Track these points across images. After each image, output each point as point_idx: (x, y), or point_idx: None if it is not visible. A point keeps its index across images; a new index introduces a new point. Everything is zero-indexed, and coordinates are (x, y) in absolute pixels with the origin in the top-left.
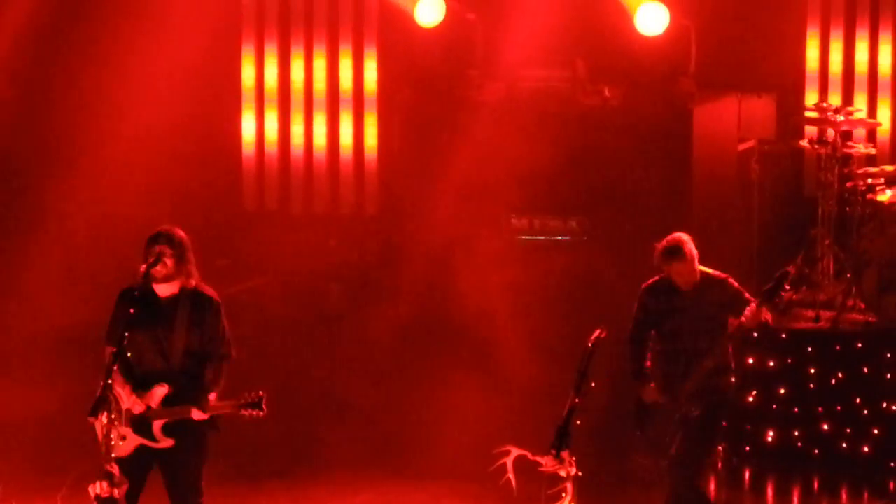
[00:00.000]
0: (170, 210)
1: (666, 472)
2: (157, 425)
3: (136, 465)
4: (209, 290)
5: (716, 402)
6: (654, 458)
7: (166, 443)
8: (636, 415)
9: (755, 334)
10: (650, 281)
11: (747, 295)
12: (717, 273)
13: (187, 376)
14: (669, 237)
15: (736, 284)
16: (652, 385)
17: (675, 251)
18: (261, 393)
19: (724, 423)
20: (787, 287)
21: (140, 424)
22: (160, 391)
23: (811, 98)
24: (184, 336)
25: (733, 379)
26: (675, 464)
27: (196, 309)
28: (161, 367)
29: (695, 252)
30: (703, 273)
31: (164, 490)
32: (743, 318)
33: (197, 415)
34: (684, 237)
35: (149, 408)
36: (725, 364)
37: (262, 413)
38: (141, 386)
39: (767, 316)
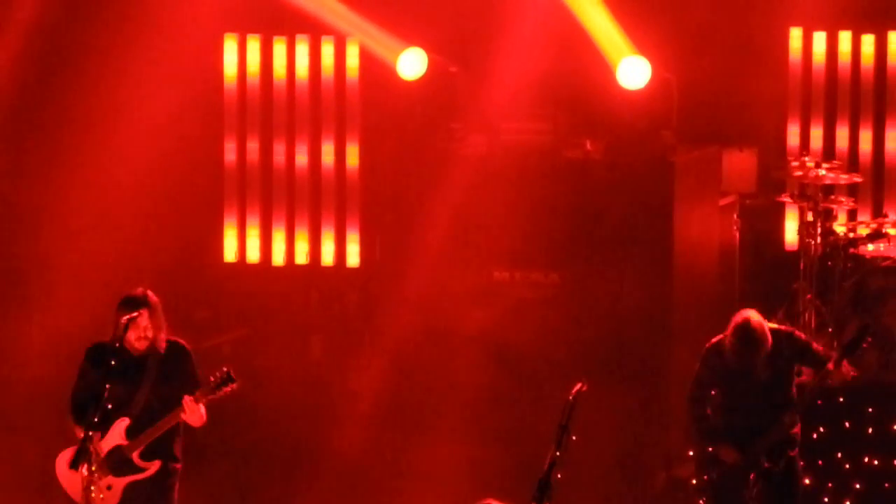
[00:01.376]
0: (150, 260)
1: None
2: (136, 456)
3: None
4: (180, 340)
5: (792, 454)
6: None
7: (153, 467)
8: (703, 472)
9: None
10: (716, 340)
11: (815, 344)
12: (783, 328)
13: (151, 413)
14: (741, 324)
15: (803, 336)
16: (728, 445)
17: (750, 343)
18: (224, 368)
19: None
20: (869, 341)
21: (119, 464)
22: (121, 424)
23: (792, 152)
24: (151, 386)
25: (798, 430)
26: None
27: (168, 361)
28: (129, 412)
29: (767, 332)
30: (770, 330)
31: None
32: (829, 380)
33: (189, 409)
34: (753, 320)
35: (118, 446)
36: (794, 433)
37: (235, 385)
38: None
39: (852, 372)
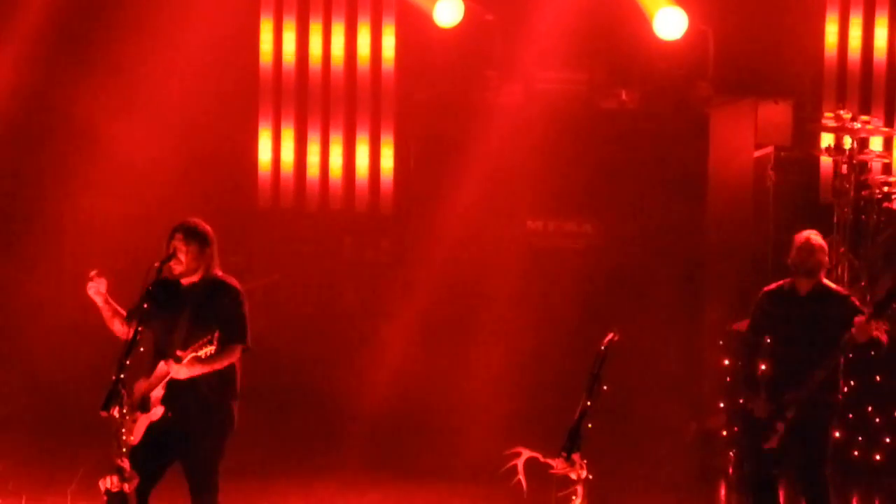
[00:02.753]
0: (185, 206)
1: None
2: (154, 396)
3: (151, 454)
4: (231, 280)
5: (824, 417)
6: (755, 466)
7: (157, 411)
8: (734, 424)
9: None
10: (772, 285)
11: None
12: (840, 288)
13: None
14: (803, 233)
15: (857, 303)
16: (763, 397)
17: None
18: (209, 335)
19: (831, 439)
20: None
21: (144, 402)
22: (162, 367)
23: (828, 105)
24: (191, 322)
25: (840, 397)
26: (806, 480)
27: (212, 297)
28: (169, 351)
29: (822, 247)
30: (826, 286)
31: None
32: (853, 331)
33: (173, 368)
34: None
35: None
36: (834, 381)
37: (212, 347)
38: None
39: (880, 331)
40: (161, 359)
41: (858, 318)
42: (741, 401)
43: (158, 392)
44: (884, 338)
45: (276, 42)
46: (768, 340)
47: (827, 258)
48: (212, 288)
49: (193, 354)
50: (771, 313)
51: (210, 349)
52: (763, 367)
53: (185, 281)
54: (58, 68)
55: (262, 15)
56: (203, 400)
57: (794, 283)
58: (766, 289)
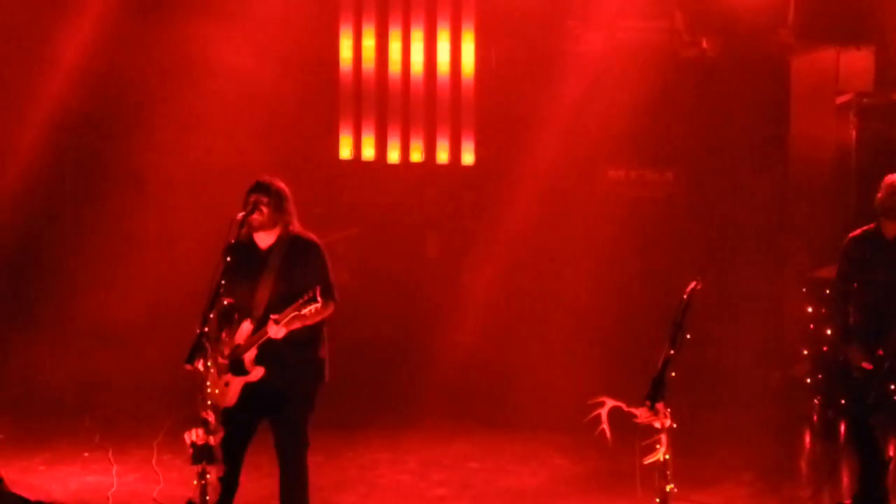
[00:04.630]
0: (267, 158)
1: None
2: (248, 358)
3: (244, 411)
4: (310, 235)
5: None
6: (854, 412)
7: (257, 373)
8: (837, 370)
9: None
10: (857, 231)
11: None
12: None
13: (271, 314)
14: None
15: None
16: (857, 347)
17: (892, 177)
18: (311, 291)
19: None
20: None
21: (237, 365)
22: (246, 327)
23: None
24: (274, 281)
25: None
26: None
27: (293, 254)
28: (253, 312)
29: None
30: None
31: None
32: None
33: (272, 329)
34: None
35: (237, 346)
36: None
37: (318, 304)
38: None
39: None
40: (245, 318)
41: None
42: (825, 349)
43: (252, 353)
44: None
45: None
46: (856, 287)
47: None
48: (293, 245)
49: (295, 313)
50: (858, 259)
51: (315, 306)
52: (853, 315)
53: (262, 242)
54: (140, 62)
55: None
56: (297, 356)
57: (880, 227)
58: (851, 235)
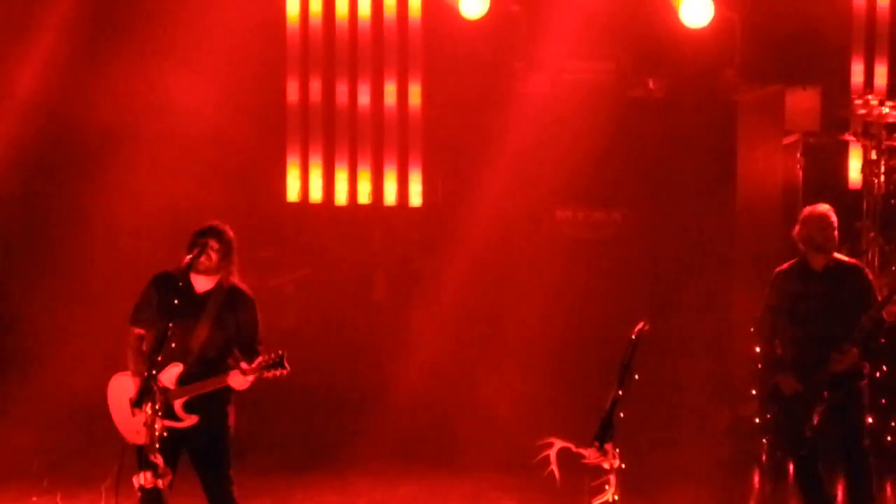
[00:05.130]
0: (215, 200)
1: (796, 459)
2: (178, 404)
3: (165, 452)
4: (245, 288)
5: (858, 390)
6: (787, 447)
7: (190, 420)
8: (769, 402)
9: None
10: (784, 265)
11: (876, 292)
12: (852, 260)
13: (203, 362)
14: (813, 206)
15: (871, 276)
16: (790, 375)
17: (817, 210)
18: (280, 351)
19: (866, 411)
20: None
21: (168, 410)
22: (174, 370)
23: (856, 91)
24: (208, 329)
25: (864, 382)
26: (850, 449)
27: (232, 304)
28: (179, 356)
29: (835, 223)
30: (838, 259)
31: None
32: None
33: (235, 380)
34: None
35: (166, 389)
36: (858, 364)
37: (285, 371)
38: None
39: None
40: (171, 361)
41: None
42: (772, 382)
43: (181, 401)
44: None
45: (302, 9)
46: (784, 319)
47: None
48: (231, 295)
49: (261, 372)
50: (786, 292)
51: (282, 371)
52: (783, 346)
53: (200, 286)
54: (77, 62)
55: None
56: (220, 401)
57: (808, 260)
58: (778, 269)
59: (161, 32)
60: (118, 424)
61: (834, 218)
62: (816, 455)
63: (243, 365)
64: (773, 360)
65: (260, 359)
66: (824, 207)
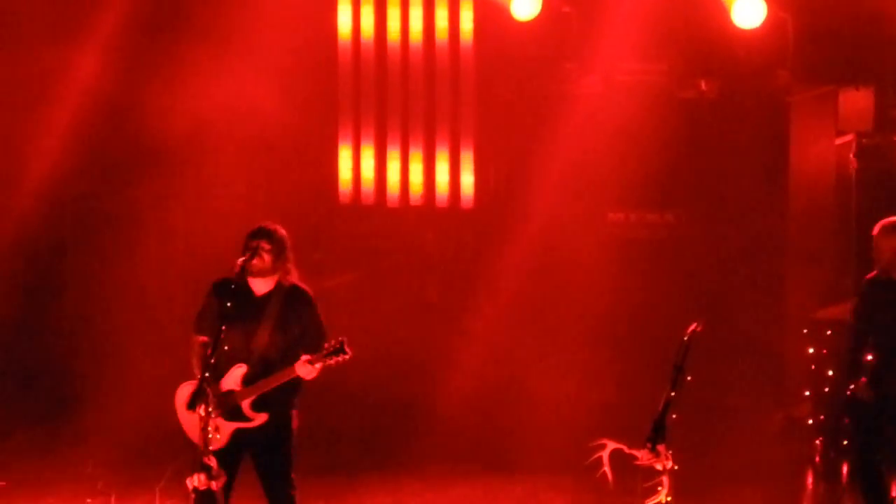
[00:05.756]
0: (266, 204)
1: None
2: (246, 404)
3: (230, 456)
4: (306, 287)
5: None
6: (864, 455)
7: (260, 418)
8: (848, 409)
9: None
10: (872, 273)
11: None
12: None
13: (266, 364)
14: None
15: None
16: (864, 380)
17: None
18: (340, 338)
19: None
20: None
21: (230, 410)
22: (238, 371)
23: None
24: (270, 331)
25: None
26: None
27: (291, 304)
28: (242, 359)
29: None
30: None
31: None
32: None
33: (303, 369)
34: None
35: (231, 391)
36: None
37: (347, 356)
38: (220, 374)
39: None
40: (233, 363)
41: None
42: (826, 389)
43: (250, 398)
44: None
45: (354, 34)
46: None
47: None
48: (290, 295)
49: (324, 360)
50: (871, 301)
51: (344, 357)
52: (868, 356)
53: (259, 289)
54: (132, 68)
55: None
56: (284, 401)
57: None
58: (867, 276)
59: (217, 38)
60: (187, 431)
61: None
62: (882, 460)
63: (306, 355)
64: (852, 367)
65: (325, 345)
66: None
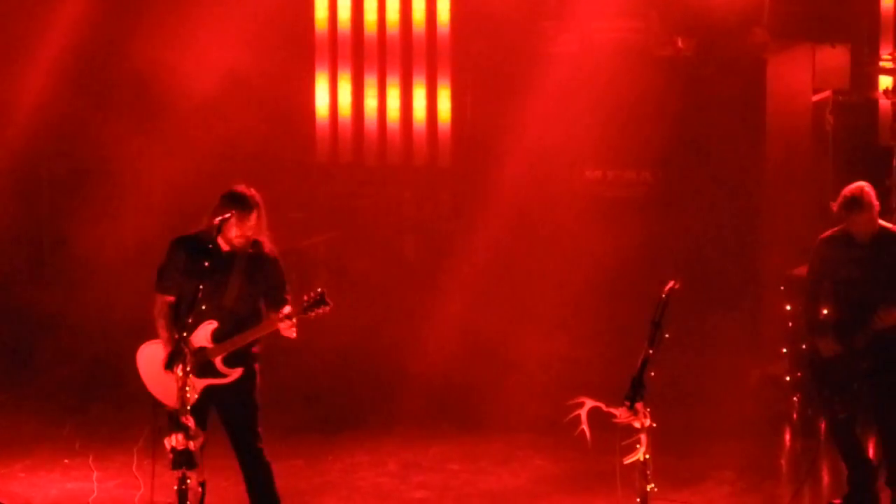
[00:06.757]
0: (244, 164)
1: (840, 428)
2: (219, 360)
3: (200, 413)
4: (264, 240)
5: (893, 356)
6: (834, 412)
7: (234, 374)
8: (813, 368)
9: None
10: (828, 232)
11: None
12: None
13: (236, 318)
14: (850, 186)
15: None
16: (829, 337)
17: (856, 201)
18: (320, 289)
19: None
20: None
21: (201, 367)
22: (209, 327)
23: (886, 47)
24: (238, 286)
25: None
26: (884, 413)
27: (255, 260)
28: (211, 315)
29: (875, 202)
30: (882, 227)
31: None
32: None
33: (285, 327)
34: (866, 187)
35: (203, 348)
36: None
37: (328, 308)
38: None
39: None
40: (205, 319)
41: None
42: (804, 346)
43: (220, 357)
44: None
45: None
46: (827, 284)
47: (877, 207)
48: (256, 250)
49: (303, 313)
50: (829, 258)
51: (325, 308)
52: (826, 310)
53: (224, 246)
54: (107, 24)
55: None
56: (249, 355)
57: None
58: (822, 236)
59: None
60: (153, 391)
61: (869, 199)
62: (854, 417)
63: (285, 309)
64: (815, 324)
65: (304, 297)
66: (859, 187)
